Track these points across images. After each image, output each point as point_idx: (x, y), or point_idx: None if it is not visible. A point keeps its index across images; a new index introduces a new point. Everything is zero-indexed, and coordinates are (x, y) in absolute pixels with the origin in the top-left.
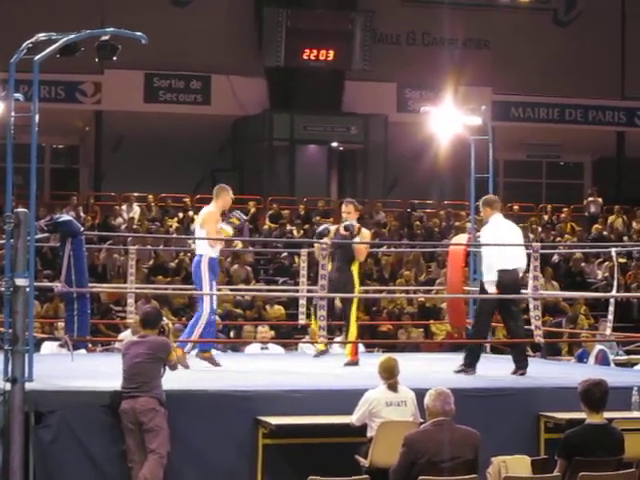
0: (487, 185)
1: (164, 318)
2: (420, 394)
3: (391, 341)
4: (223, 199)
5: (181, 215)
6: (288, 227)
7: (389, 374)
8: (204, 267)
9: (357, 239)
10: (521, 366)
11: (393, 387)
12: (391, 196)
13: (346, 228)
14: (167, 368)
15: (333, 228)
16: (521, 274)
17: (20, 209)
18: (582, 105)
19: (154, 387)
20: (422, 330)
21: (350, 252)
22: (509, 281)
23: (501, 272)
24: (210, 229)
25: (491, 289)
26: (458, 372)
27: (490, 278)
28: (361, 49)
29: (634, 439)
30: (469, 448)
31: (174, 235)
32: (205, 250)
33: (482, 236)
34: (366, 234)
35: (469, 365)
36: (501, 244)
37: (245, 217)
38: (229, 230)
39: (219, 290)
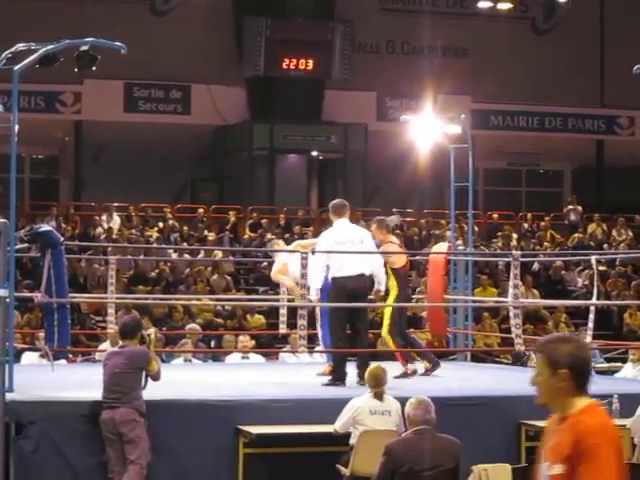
0: (467, 193)
1: (149, 329)
2: (401, 403)
3: (371, 350)
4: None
5: (161, 225)
6: (268, 236)
7: (376, 382)
8: None
9: None
10: (338, 377)
11: (379, 396)
12: (371, 205)
13: None
14: (149, 379)
15: None
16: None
17: (0, 219)
18: (562, 113)
19: (134, 398)
20: None
21: None
22: (343, 288)
23: (338, 279)
24: None
25: (313, 295)
26: (326, 385)
27: (315, 284)
28: (341, 58)
29: None
30: (450, 457)
31: (154, 245)
32: None
33: (318, 241)
34: None
35: (338, 379)
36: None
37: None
38: None
39: (199, 300)
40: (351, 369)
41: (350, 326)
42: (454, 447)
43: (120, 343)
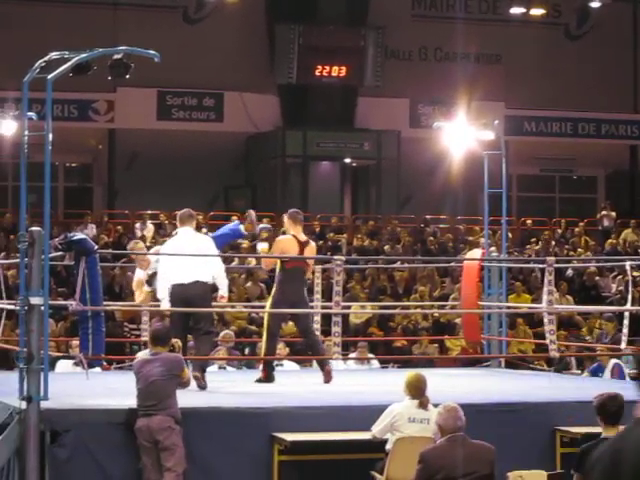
0: (500, 200)
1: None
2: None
3: (406, 356)
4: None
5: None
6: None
7: (417, 392)
8: None
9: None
10: None
11: (424, 405)
12: (404, 211)
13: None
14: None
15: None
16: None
17: (34, 228)
18: (595, 119)
19: (169, 405)
20: (437, 345)
21: None
22: (177, 295)
23: (174, 286)
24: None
25: (164, 303)
26: None
27: (160, 293)
28: (373, 65)
29: None
30: (485, 463)
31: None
32: None
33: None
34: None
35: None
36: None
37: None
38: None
39: (232, 307)
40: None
41: (191, 332)
42: (488, 453)
43: (151, 350)
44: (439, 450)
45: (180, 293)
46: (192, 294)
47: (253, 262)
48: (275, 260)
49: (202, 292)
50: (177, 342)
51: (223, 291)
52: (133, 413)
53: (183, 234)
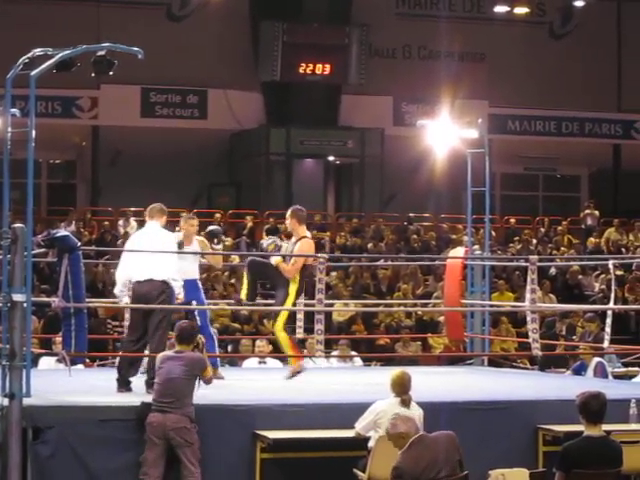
0: (484, 198)
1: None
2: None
3: (389, 354)
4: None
5: (178, 229)
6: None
7: (402, 389)
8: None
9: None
10: (121, 384)
11: (406, 403)
12: (388, 210)
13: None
14: (202, 383)
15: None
16: (183, 286)
17: (17, 224)
18: (578, 118)
19: (185, 404)
20: (420, 343)
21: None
22: (135, 293)
23: (133, 283)
24: None
25: (123, 300)
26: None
27: (116, 289)
28: (357, 63)
29: (632, 451)
30: (454, 449)
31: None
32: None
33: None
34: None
35: (123, 384)
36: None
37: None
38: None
39: (215, 305)
40: None
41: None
42: (453, 439)
43: (176, 348)
44: (411, 457)
45: (137, 290)
46: (145, 292)
47: (236, 259)
48: (300, 265)
49: (157, 292)
50: (200, 338)
51: (177, 292)
52: (147, 407)
53: (146, 229)
